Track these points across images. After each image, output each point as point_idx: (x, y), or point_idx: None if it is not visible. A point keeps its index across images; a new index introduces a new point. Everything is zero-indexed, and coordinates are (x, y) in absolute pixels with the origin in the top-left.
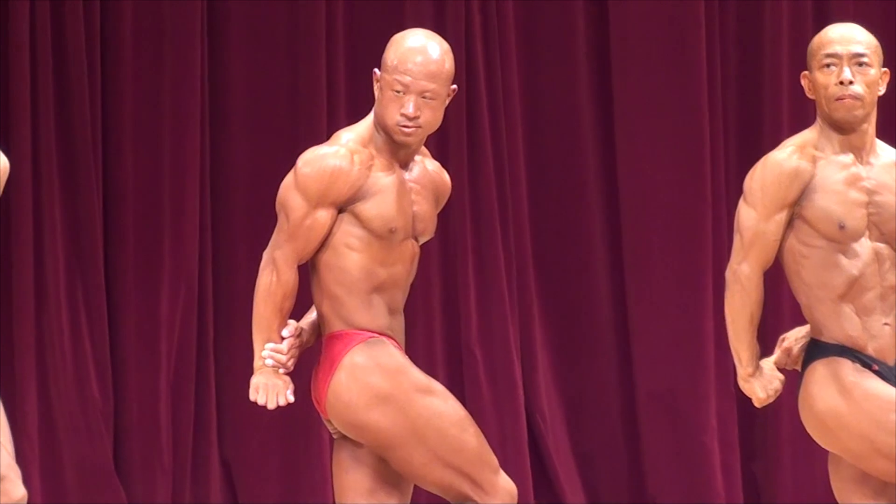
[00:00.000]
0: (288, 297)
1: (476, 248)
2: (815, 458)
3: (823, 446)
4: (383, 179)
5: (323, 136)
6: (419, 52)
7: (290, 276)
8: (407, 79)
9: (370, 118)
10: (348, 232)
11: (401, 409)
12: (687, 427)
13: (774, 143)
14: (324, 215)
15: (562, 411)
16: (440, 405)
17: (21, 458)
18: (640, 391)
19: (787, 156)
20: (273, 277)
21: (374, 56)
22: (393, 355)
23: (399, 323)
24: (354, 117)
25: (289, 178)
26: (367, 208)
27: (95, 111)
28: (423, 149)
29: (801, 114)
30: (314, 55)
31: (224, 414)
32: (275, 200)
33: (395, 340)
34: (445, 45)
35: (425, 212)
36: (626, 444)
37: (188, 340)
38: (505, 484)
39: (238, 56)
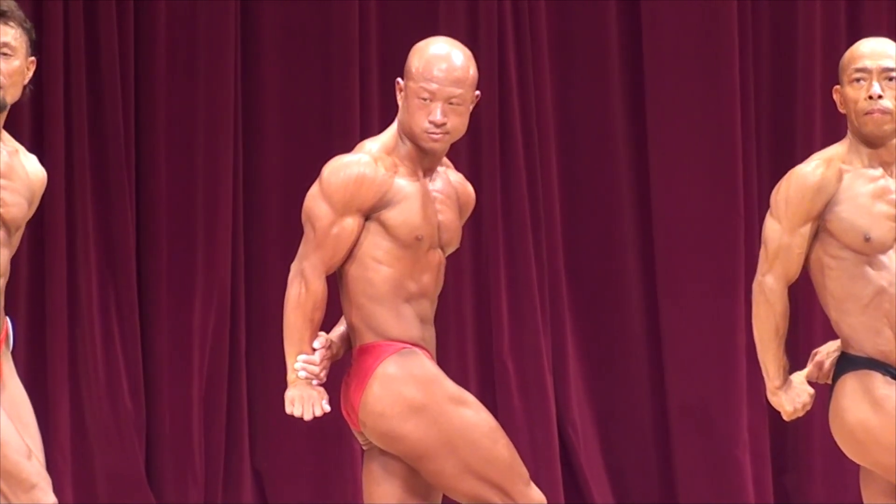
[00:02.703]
0: (318, 307)
1: (508, 259)
2: (846, 471)
3: (854, 460)
4: (408, 187)
5: (356, 143)
6: (444, 59)
7: (318, 287)
8: (433, 86)
9: (394, 128)
10: (375, 244)
11: (434, 420)
12: (718, 440)
13: (807, 154)
14: (350, 223)
15: (593, 423)
16: (472, 416)
17: (53, 468)
18: (671, 403)
19: (811, 169)
20: (302, 288)
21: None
22: (425, 366)
23: (430, 333)
24: (388, 124)
25: (314, 189)
26: (392, 216)
27: (129, 121)
28: (446, 160)
29: (833, 124)
30: (347, 62)
31: (256, 424)
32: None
33: (428, 351)
34: (468, 52)
35: (451, 221)
36: (658, 457)
37: (220, 351)
38: (536, 495)
39: (271, 64)
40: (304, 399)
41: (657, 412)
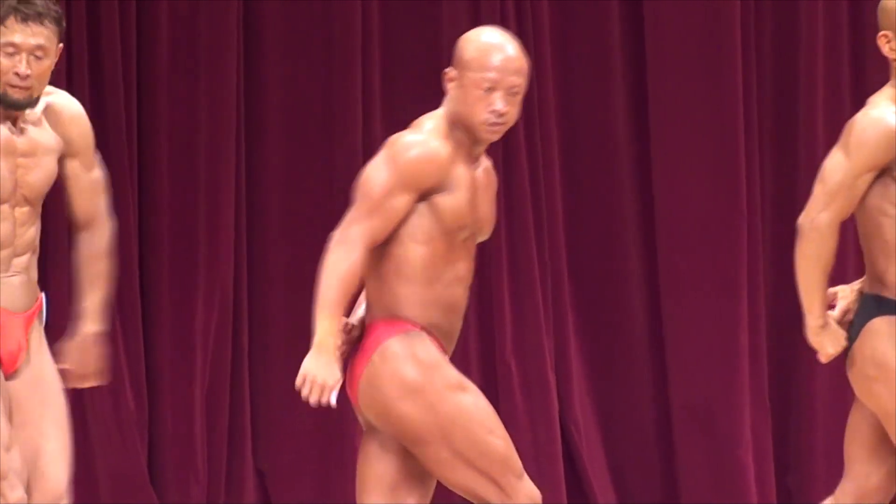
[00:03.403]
0: (357, 276)
1: (511, 259)
2: None
3: (861, 398)
4: (462, 175)
5: (358, 145)
6: (499, 48)
7: (362, 256)
8: (495, 76)
9: (440, 113)
10: (419, 225)
11: (430, 404)
12: (721, 440)
13: (809, 154)
14: (407, 200)
15: (596, 423)
16: (469, 405)
17: None
18: (674, 404)
19: (893, 115)
20: (345, 254)
21: (410, 61)
22: (429, 349)
23: (451, 322)
24: (390, 123)
25: (379, 159)
26: (445, 201)
27: (131, 121)
28: None
29: (835, 122)
30: (350, 62)
31: (258, 423)
32: (309, 210)
33: (437, 339)
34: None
35: (489, 210)
36: (660, 457)
37: (223, 351)
38: (528, 489)
39: (273, 64)
40: (315, 382)
41: (660, 412)
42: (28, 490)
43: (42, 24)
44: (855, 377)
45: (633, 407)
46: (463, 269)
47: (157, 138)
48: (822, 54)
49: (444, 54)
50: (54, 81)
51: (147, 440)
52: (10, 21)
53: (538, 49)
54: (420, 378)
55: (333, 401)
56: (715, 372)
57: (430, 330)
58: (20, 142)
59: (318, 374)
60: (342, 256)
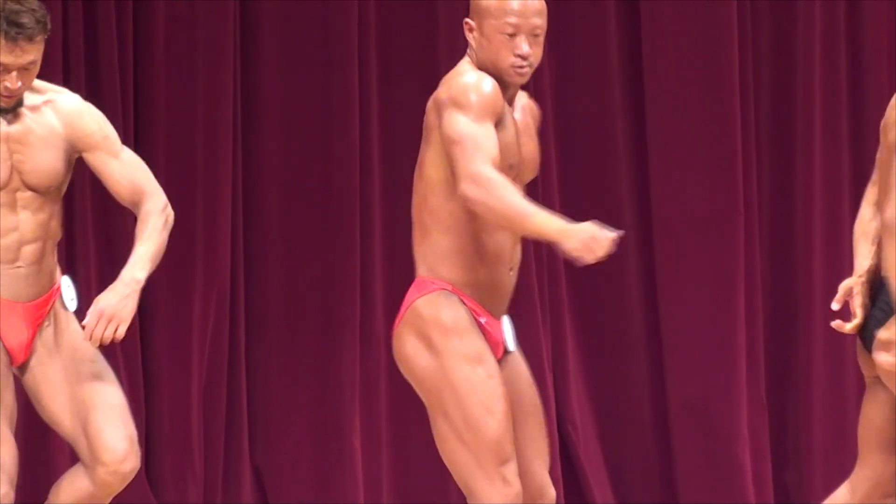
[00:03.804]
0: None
1: None
2: (846, 468)
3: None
4: (508, 113)
5: (355, 143)
6: None
7: (499, 174)
8: (516, 20)
9: (467, 62)
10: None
11: (441, 369)
12: (718, 437)
13: (806, 152)
14: (492, 129)
15: (593, 420)
16: (476, 379)
17: (52, 465)
18: (671, 400)
19: None
20: (487, 179)
21: (407, 60)
22: (456, 313)
23: (499, 275)
24: (387, 122)
25: (449, 112)
26: (499, 137)
27: (128, 120)
28: None
29: (832, 121)
30: (347, 61)
31: (255, 421)
32: (306, 208)
33: (475, 301)
34: None
35: (531, 151)
36: (658, 454)
37: (220, 348)
38: (508, 479)
39: (270, 62)
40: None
41: (657, 409)
42: (90, 464)
43: (32, 41)
44: (884, 363)
45: (631, 405)
46: None
47: (154, 137)
48: (819, 53)
49: (440, 53)
50: (50, 79)
51: (144, 438)
52: (1, 39)
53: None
54: (438, 342)
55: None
56: (712, 369)
57: (472, 288)
58: (13, 128)
59: (592, 237)
60: (498, 188)
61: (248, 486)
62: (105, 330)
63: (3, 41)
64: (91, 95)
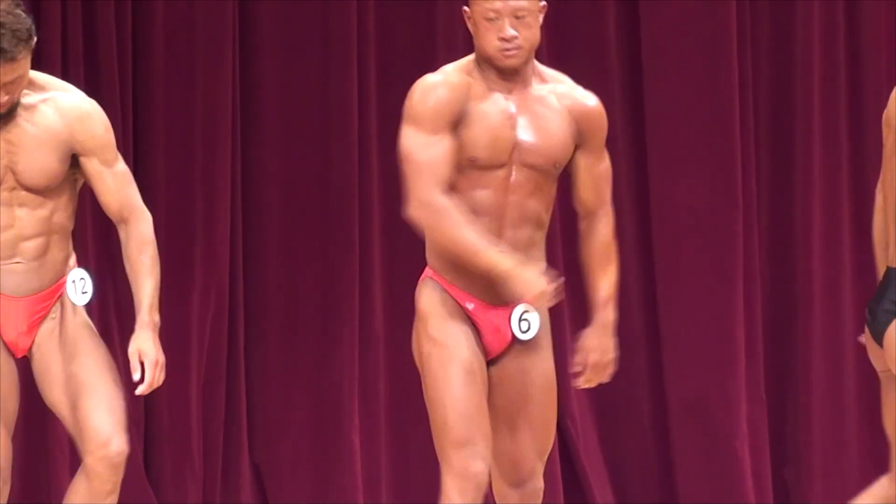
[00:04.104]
0: (462, 213)
1: None
2: (845, 463)
3: None
4: (480, 107)
5: (354, 142)
6: None
7: (450, 201)
8: (497, 4)
9: (472, 57)
10: None
11: (418, 355)
12: (717, 433)
13: (805, 149)
14: (445, 142)
15: (592, 416)
16: (437, 364)
17: (52, 462)
18: (670, 397)
19: None
20: (447, 217)
21: (406, 59)
22: (430, 298)
23: None
24: (385, 121)
25: (404, 120)
26: (461, 133)
27: (127, 119)
28: (556, 75)
29: (831, 119)
30: (346, 60)
31: (254, 418)
32: (305, 206)
33: (455, 285)
34: None
35: (537, 141)
36: (657, 450)
37: (219, 345)
38: (461, 463)
39: (269, 62)
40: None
41: (656, 405)
42: (82, 454)
43: (15, 60)
44: None
45: (630, 401)
46: (481, 198)
47: (154, 137)
48: (819, 52)
49: (439, 53)
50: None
51: (143, 437)
52: None
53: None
54: (418, 328)
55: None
56: (711, 367)
57: (453, 274)
58: (7, 129)
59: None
60: (446, 219)
61: (248, 485)
62: (159, 377)
63: None
64: (90, 95)
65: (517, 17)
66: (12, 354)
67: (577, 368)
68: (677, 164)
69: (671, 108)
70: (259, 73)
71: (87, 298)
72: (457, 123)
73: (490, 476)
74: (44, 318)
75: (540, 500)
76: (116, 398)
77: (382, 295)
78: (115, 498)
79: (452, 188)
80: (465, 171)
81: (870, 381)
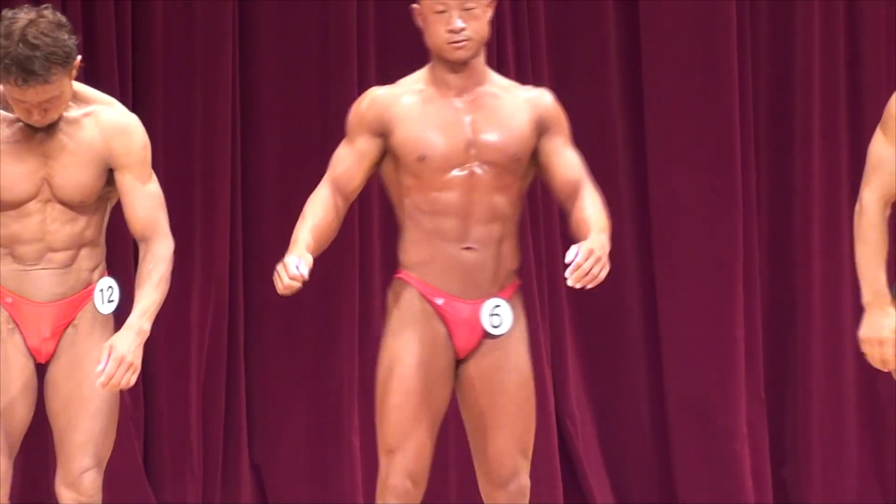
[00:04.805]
0: (321, 209)
1: None
2: (844, 463)
3: None
4: (420, 107)
5: None
6: None
7: (322, 192)
8: None
9: (430, 65)
10: (386, 172)
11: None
12: (717, 433)
13: (805, 150)
14: (356, 145)
15: (592, 416)
16: (384, 368)
17: (52, 462)
18: (670, 397)
19: None
20: (314, 195)
21: (406, 57)
22: (395, 297)
23: (447, 255)
24: None
25: None
26: (392, 141)
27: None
28: (510, 82)
29: (831, 120)
30: (345, 60)
31: (254, 418)
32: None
33: (426, 282)
34: None
35: (494, 139)
36: (656, 450)
37: (218, 345)
38: (391, 470)
39: (269, 62)
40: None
41: (656, 405)
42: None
43: (47, 81)
44: None
45: (630, 401)
46: (445, 198)
47: (153, 137)
48: (818, 52)
49: None
50: None
51: (142, 437)
52: (12, 83)
53: (534, 49)
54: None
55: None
56: (711, 366)
57: (421, 269)
58: (47, 142)
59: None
60: (306, 206)
61: (247, 485)
62: (123, 375)
63: (14, 84)
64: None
65: (465, 10)
66: (34, 359)
67: (570, 263)
68: (677, 165)
69: (671, 108)
70: (259, 74)
71: (112, 307)
72: (379, 131)
73: (477, 481)
74: (69, 324)
75: (527, 500)
76: (104, 425)
77: (382, 296)
78: None
79: (412, 191)
80: (421, 173)
81: (869, 382)
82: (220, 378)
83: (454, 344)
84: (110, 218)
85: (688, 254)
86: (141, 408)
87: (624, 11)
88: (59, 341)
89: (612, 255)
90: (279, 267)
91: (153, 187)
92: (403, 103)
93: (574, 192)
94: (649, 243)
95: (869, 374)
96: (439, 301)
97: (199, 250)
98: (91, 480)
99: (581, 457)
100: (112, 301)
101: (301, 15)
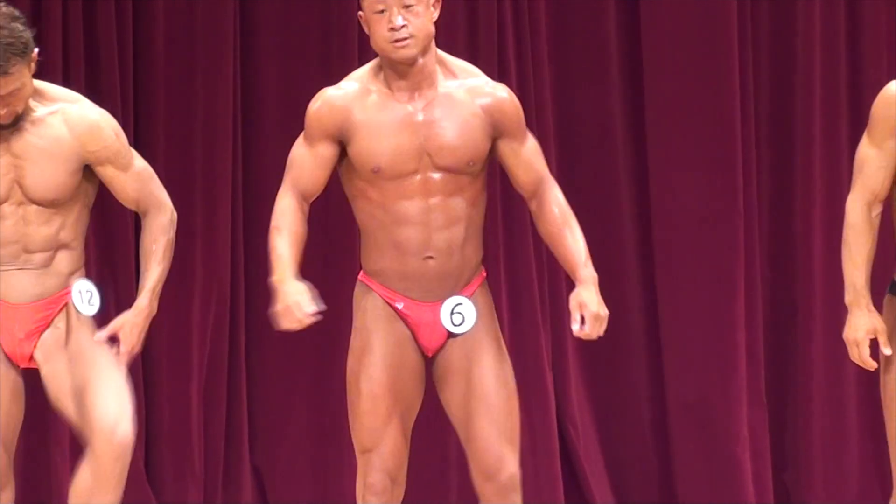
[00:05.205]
0: (287, 215)
1: (508, 257)
2: (845, 468)
3: None
4: (369, 117)
5: None
6: None
7: (284, 200)
8: None
9: (377, 62)
10: (347, 179)
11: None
12: (718, 437)
13: (806, 152)
14: (314, 149)
15: (593, 421)
16: (352, 370)
17: (53, 465)
18: (671, 401)
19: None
20: (278, 206)
21: None
22: (359, 303)
23: (406, 264)
24: None
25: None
26: (350, 148)
27: (127, 120)
28: (467, 67)
29: (832, 122)
30: (346, 61)
31: (255, 421)
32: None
33: (387, 286)
34: None
35: (448, 142)
36: (657, 454)
37: (219, 348)
38: (363, 469)
39: (270, 62)
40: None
41: (657, 409)
42: (88, 442)
43: (8, 73)
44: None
45: (631, 405)
46: (403, 207)
47: (154, 137)
48: (819, 53)
49: (439, 48)
50: (50, 79)
51: (144, 438)
52: None
53: (535, 49)
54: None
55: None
56: (712, 370)
57: (383, 276)
58: (13, 142)
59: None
60: (274, 219)
61: (248, 487)
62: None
63: None
64: (91, 96)
65: (405, 7)
66: (15, 365)
67: (575, 322)
68: (678, 168)
69: (672, 111)
70: (259, 74)
71: (94, 310)
72: (338, 138)
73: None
74: (46, 326)
75: (518, 488)
76: (122, 388)
77: None
78: (116, 496)
79: (370, 201)
80: (376, 182)
81: (870, 386)
82: (221, 380)
83: (419, 343)
84: (110, 220)
85: (689, 257)
86: (142, 410)
87: (625, 12)
88: (35, 343)
89: (613, 259)
90: (289, 303)
91: (137, 166)
92: (359, 111)
93: (534, 195)
94: (650, 245)
95: (869, 378)
96: (399, 305)
97: (200, 254)
98: (129, 435)
99: (582, 460)
100: (93, 305)
101: (302, 15)
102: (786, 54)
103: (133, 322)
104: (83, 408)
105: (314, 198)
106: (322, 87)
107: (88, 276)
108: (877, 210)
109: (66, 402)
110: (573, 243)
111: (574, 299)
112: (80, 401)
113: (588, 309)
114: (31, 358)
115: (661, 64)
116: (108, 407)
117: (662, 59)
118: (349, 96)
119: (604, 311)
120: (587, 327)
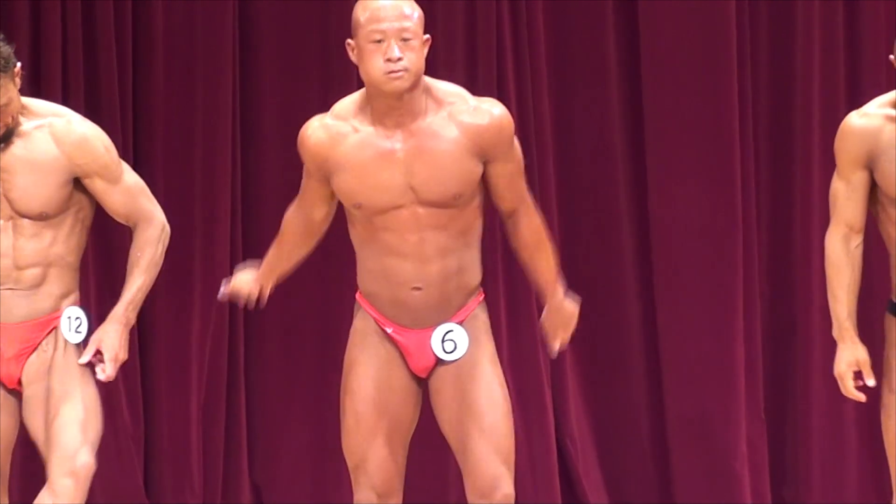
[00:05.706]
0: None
1: (506, 271)
2: (844, 483)
3: None
4: (353, 153)
5: None
6: (378, 1)
7: (289, 216)
8: (383, 25)
9: (362, 93)
10: (344, 205)
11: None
12: (717, 452)
13: (805, 164)
14: (312, 181)
15: (592, 436)
16: (344, 387)
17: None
18: (670, 416)
19: (856, 114)
20: (282, 228)
21: None
22: (357, 321)
23: (392, 291)
24: None
25: None
26: (334, 182)
27: (126, 123)
28: (454, 91)
29: (832, 126)
30: (346, 63)
31: (254, 438)
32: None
33: (377, 308)
34: None
35: (429, 178)
36: (657, 469)
37: (219, 364)
38: (357, 486)
39: (269, 64)
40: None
41: (656, 424)
42: (50, 473)
43: None
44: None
45: (630, 420)
46: (392, 239)
47: (154, 140)
48: (818, 55)
49: (438, 55)
50: (50, 84)
51: (143, 454)
52: None
53: (533, 51)
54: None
55: None
56: (711, 384)
57: (374, 299)
58: (0, 157)
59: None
60: (279, 235)
61: (247, 502)
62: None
63: None
64: (89, 99)
65: (403, 40)
66: (5, 385)
67: (549, 341)
68: (677, 179)
69: (670, 117)
70: (259, 75)
71: (80, 338)
72: (324, 172)
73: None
74: (34, 348)
75: None
76: (92, 421)
77: None
78: None
79: (359, 231)
80: (363, 217)
81: (869, 402)
82: (221, 396)
83: (410, 365)
84: (111, 243)
85: (688, 271)
86: (141, 425)
87: (623, 13)
88: (23, 364)
89: (612, 271)
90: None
91: (127, 181)
92: (340, 149)
93: (511, 215)
94: (649, 258)
95: (869, 395)
96: (388, 329)
97: (199, 269)
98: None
99: (580, 475)
100: (80, 332)
101: (301, 15)
102: (785, 55)
103: (109, 331)
104: (48, 436)
105: (323, 223)
106: (322, 87)
107: (87, 298)
108: (856, 241)
109: (37, 429)
110: (543, 265)
111: (542, 322)
112: (48, 430)
113: (550, 321)
114: (19, 381)
115: (660, 65)
116: (72, 437)
117: (661, 61)
118: (331, 131)
119: (570, 315)
120: (557, 334)
